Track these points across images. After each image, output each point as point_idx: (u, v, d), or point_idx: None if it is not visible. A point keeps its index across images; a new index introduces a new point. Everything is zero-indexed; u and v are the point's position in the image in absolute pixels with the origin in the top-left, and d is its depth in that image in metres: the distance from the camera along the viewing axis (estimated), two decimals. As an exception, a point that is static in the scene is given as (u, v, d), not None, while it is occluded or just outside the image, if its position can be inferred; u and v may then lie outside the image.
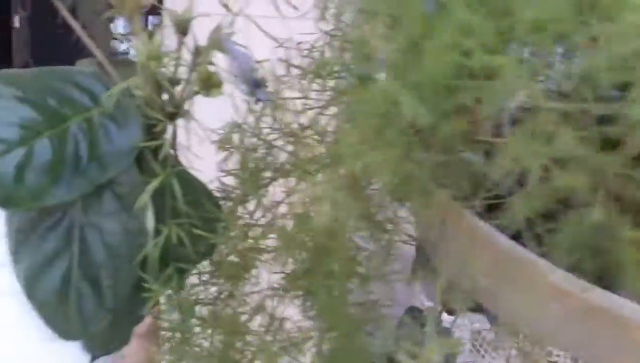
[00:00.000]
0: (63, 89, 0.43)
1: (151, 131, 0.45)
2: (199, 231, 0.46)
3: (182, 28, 0.42)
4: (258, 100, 0.46)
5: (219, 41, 0.43)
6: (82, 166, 0.40)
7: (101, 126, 0.42)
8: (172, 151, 0.45)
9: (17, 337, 0.46)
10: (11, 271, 0.43)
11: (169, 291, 0.46)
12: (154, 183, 0.41)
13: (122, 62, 0.47)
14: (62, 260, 0.43)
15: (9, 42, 3.15)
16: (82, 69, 0.45)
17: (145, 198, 0.40)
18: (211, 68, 0.43)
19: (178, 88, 0.45)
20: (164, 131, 0.44)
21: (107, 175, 0.41)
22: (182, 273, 0.47)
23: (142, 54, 0.40)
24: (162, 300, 0.48)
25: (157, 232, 0.43)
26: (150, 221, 0.41)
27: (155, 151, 0.44)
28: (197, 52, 0.43)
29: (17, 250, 0.43)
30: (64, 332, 0.43)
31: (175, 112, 0.45)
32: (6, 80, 0.41)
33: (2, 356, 0.46)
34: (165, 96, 0.46)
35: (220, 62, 0.44)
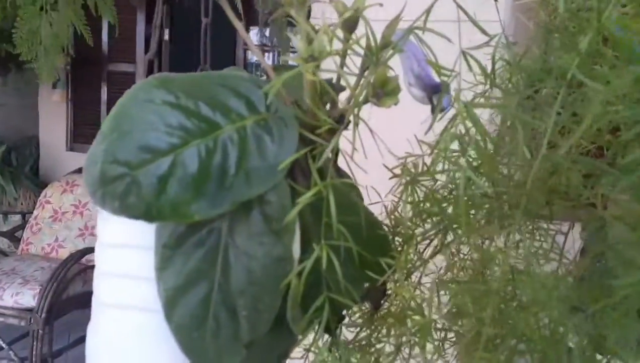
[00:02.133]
0: (218, 95, 0.39)
1: (310, 144, 0.39)
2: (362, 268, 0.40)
3: (350, 23, 0.36)
4: (439, 109, 0.38)
5: (393, 39, 0.36)
6: (228, 180, 0.36)
7: (254, 138, 0.38)
8: (333, 169, 0.39)
9: (145, 356, 0.43)
10: (155, 287, 0.40)
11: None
12: (306, 196, 0.35)
13: (287, 69, 0.42)
14: (204, 282, 0.39)
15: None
16: (241, 74, 0.41)
17: (293, 214, 0.34)
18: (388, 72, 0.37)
19: (344, 95, 0.39)
20: (325, 145, 0.39)
21: (253, 192, 0.36)
22: (335, 311, 0.41)
23: (302, 54, 0.34)
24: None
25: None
26: (296, 248, 0.36)
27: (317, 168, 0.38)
28: (370, 52, 0.36)
29: (162, 266, 0.39)
30: (198, 360, 0.39)
31: (339, 123, 0.39)
32: (159, 83, 0.38)
33: None
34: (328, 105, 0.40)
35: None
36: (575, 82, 0.41)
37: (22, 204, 4.41)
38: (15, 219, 4.30)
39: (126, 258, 0.44)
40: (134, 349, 0.43)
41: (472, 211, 0.46)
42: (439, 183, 0.51)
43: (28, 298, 2.98)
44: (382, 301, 0.47)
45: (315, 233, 0.38)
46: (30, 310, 2.93)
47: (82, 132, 4.37)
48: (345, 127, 0.37)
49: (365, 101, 0.37)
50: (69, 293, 3.06)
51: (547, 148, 0.40)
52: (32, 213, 3.71)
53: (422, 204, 0.52)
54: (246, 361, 0.38)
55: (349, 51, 0.36)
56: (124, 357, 0.43)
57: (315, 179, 0.36)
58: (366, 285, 0.44)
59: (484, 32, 0.39)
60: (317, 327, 0.38)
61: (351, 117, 0.39)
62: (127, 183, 0.35)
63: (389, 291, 0.49)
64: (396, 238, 0.51)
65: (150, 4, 4.10)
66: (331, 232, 0.37)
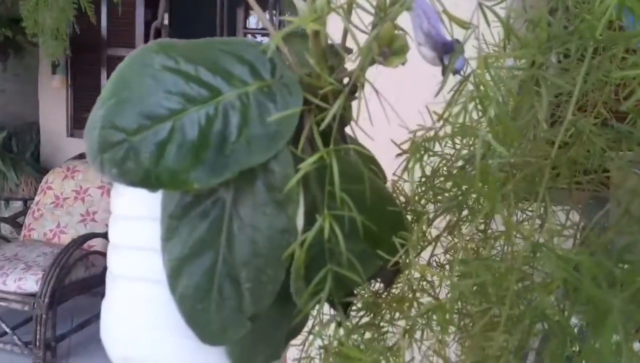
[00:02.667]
0: (221, 60, 0.37)
1: (315, 110, 0.38)
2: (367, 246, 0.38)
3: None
4: (451, 71, 0.36)
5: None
6: (229, 148, 0.34)
7: (256, 104, 0.36)
8: (337, 134, 0.38)
9: (159, 329, 0.42)
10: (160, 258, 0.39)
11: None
12: (307, 162, 0.33)
13: (296, 35, 0.40)
14: (208, 253, 0.37)
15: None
16: (248, 40, 0.40)
17: (293, 182, 0.33)
18: (395, 30, 0.35)
19: (351, 56, 0.37)
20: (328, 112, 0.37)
21: (254, 160, 0.35)
22: (343, 286, 0.39)
23: (304, 14, 0.33)
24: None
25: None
26: (300, 218, 0.34)
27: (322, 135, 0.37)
28: (378, 9, 0.35)
29: (167, 236, 0.38)
30: (202, 332, 0.37)
31: (345, 85, 0.37)
32: (159, 48, 0.36)
33: (141, 344, 0.42)
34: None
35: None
36: (600, 47, 0.39)
37: (23, 190, 4.40)
38: (17, 205, 4.30)
39: (138, 230, 0.43)
40: (147, 321, 0.42)
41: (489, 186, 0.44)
42: (453, 156, 0.49)
43: (31, 283, 2.99)
44: (393, 280, 0.45)
45: (322, 206, 0.37)
46: (33, 295, 2.94)
47: (82, 118, 4.34)
48: (353, 92, 0.36)
49: (372, 62, 0.35)
50: (72, 278, 3.07)
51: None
52: (33, 199, 3.71)
53: (434, 180, 0.50)
54: (252, 336, 0.37)
55: (360, 12, 0.35)
56: (137, 329, 0.42)
57: (323, 143, 0.34)
58: (380, 263, 0.42)
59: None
60: (322, 304, 0.37)
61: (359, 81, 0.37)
62: (125, 149, 0.34)
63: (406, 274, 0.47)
64: (408, 216, 0.50)
65: (149, -12, 4.07)
66: (336, 203, 0.36)
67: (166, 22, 3.47)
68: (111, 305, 0.44)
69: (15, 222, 3.72)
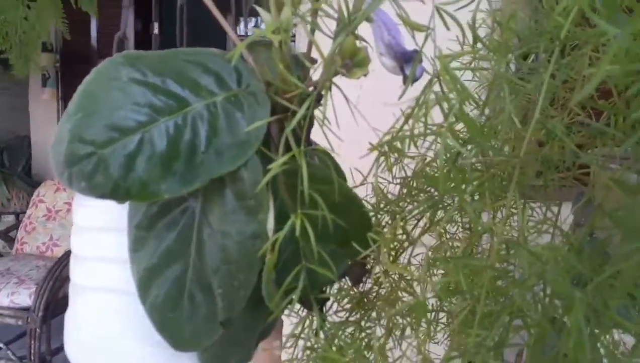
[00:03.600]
0: (187, 71, 0.38)
1: (282, 119, 0.38)
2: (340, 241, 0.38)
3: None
4: (411, 79, 0.37)
5: (363, 8, 0.35)
6: (198, 157, 0.35)
7: (224, 114, 0.37)
8: (305, 137, 0.38)
9: (129, 339, 0.42)
10: (129, 269, 0.39)
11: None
12: (277, 163, 0.33)
13: (260, 45, 0.41)
14: (178, 262, 0.38)
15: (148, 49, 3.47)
16: (212, 50, 0.40)
17: (263, 183, 0.33)
18: (357, 43, 0.36)
19: (315, 67, 0.38)
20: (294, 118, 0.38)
21: (224, 168, 0.35)
22: (315, 285, 0.40)
23: (269, 26, 0.33)
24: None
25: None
26: (270, 223, 0.35)
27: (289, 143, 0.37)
28: (340, 22, 0.35)
29: (135, 247, 0.39)
30: (175, 340, 0.38)
31: (309, 95, 0.38)
32: (125, 60, 0.37)
33: (110, 355, 0.43)
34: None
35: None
36: (568, 47, 0.40)
37: (15, 204, 4.38)
38: (9, 219, 4.28)
39: (103, 240, 0.43)
40: (116, 331, 0.42)
41: (463, 186, 0.45)
42: (427, 157, 0.50)
43: (24, 297, 2.97)
44: (363, 278, 0.46)
45: (291, 210, 0.37)
46: (27, 309, 2.92)
47: (73, 130, 4.34)
48: (318, 100, 0.36)
49: (335, 73, 0.36)
50: (65, 291, 3.04)
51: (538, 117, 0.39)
52: (25, 212, 3.69)
53: (410, 181, 0.51)
54: (224, 340, 0.37)
55: (327, 20, 0.35)
56: (104, 341, 0.42)
57: (288, 148, 0.35)
58: (348, 262, 0.43)
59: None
60: (293, 304, 0.37)
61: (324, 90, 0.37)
62: (94, 162, 0.34)
63: (377, 273, 0.48)
64: (383, 216, 0.50)
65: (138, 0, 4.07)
66: (306, 206, 0.36)
67: (156, 31, 3.48)
68: (77, 316, 0.44)
69: (8, 236, 3.70)
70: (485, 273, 0.41)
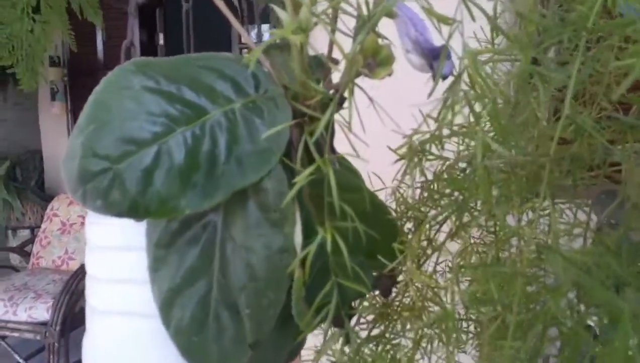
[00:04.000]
0: (202, 77, 0.36)
1: (304, 124, 0.36)
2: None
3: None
4: (440, 76, 0.35)
5: (386, 4, 0.33)
6: (219, 168, 0.33)
7: (244, 121, 0.35)
8: (329, 145, 0.36)
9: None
10: (149, 290, 0.37)
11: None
12: (304, 175, 0.31)
13: (275, 48, 0.39)
14: (202, 281, 0.36)
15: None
16: (227, 55, 0.38)
17: (290, 196, 0.31)
18: (379, 40, 0.33)
19: (337, 68, 0.36)
20: (319, 124, 0.35)
21: (248, 179, 0.33)
22: (344, 301, 0.38)
23: (288, 26, 0.31)
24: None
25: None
26: (298, 236, 0.33)
27: (311, 150, 0.35)
28: (361, 20, 0.33)
29: (155, 267, 0.36)
30: (201, 364, 0.36)
31: (332, 98, 0.36)
32: (137, 68, 0.34)
33: None
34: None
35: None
36: (594, 39, 0.38)
37: (29, 218, 4.40)
38: (24, 234, 4.30)
39: (120, 260, 0.41)
40: (133, 356, 0.40)
41: (484, 187, 0.43)
42: (453, 159, 0.47)
43: (42, 312, 2.98)
44: (391, 290, 0.44)
45: (318, 221, 0.35)
46: (44, 323, 2.93)
47: (84, 142, 4.35)
48: (341, 102, 0.34)
49: (358, 74, 0.34)
50: (82, 305, 3.06)
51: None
52: (40, 227, 3.70)
53: (432, 185, 0.49)
54: (252, 361, 0.35)
55: (348, 19, 0.33)
56: None
57: (310, 155, 0.32)
58: (374, 273, 0.41)
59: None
60: (325, 322, 0.35)
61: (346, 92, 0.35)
62: (109, 178, 0.32)
63: (401, 281, 0.46)
64: (406, 223, 0.48)
65: (143, 10, 4.07)
66: (335, 217, 0.34)
67: (161, 42, 3.48)
68: (95, 341, 0.42)
69: (24, 251, 3.71)
70: (516, 281, 0.39)
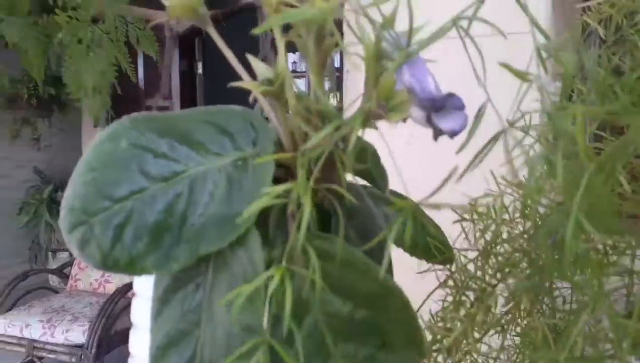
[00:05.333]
0: (198, 133, 0.35)
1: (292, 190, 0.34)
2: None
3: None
4: (445, 132, 0.32)
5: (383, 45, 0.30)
6: (187, 230, 0.31)
7: (227, 181, 0.33)
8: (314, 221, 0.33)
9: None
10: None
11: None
12: (266, 275, 0.28)
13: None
14: (185, 345, 0.34)
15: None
16: (234, 108, 0.37)
17: (260, 281, 0.28)
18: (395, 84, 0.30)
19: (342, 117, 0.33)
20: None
21: (213, 246, 0.31)
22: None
23: (260, 78, 0.29)
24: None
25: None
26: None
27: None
28: (374, 60, 0.30)
29: (152, 321, 0.35)
30: None
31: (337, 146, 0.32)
32: (130, 124, 0.34)
33: None
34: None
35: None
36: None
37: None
38: (64, 256, 4.40)
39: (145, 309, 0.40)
40: None
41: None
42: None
43: (78, 334, 3.02)
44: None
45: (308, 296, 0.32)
46: (80, 346, 2.97)
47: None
48: (344, 150, 0.31)
49: (372, 115, 0.31)
50: (117, 328, 3.09)
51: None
52: (79, 249, 3.78)
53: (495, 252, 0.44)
54: None
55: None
56: None
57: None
58: None
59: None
60: None
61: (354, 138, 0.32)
62: (84, 231, 0.32)
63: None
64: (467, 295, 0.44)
65: (183, 39, 4.17)
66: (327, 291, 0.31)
67: (200, 70, 3.55)
68: None
69: (63, 273, 3.79)
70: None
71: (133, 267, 0.31)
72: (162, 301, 0.35)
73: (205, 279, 0.34)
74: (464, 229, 0.44)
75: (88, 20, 2.29)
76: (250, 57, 0.31)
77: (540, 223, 0.42)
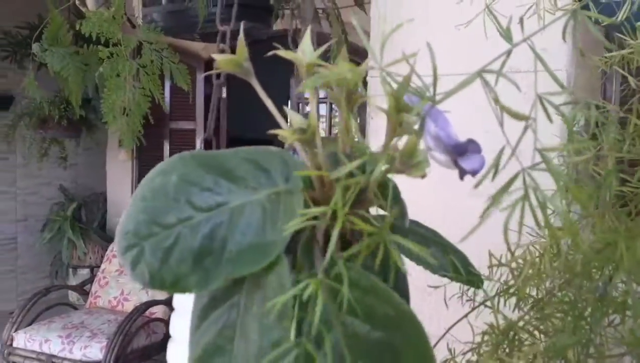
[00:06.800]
0: (239, 169, 0.40)
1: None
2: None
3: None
4: (466, 173, 0.36)
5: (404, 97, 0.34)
6: (226, 254, 0.36)
7: (262, 212, 0.38)
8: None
9: None
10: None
11: None
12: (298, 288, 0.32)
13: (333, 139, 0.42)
14: (223, 356, 0.38)
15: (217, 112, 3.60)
16: (271, 148, 0.42)
17: (284, 299, 0.33)
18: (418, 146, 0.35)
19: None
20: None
21: (245, 269, 0.36)
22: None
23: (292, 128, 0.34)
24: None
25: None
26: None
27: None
28: (395, 112, 0.34)
29: (192, 337, 0.40)
30: None
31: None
32: (180, 160, 0.40)
33: None
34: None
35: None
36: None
37: (90, 258, 4.59)
38: (84, 272, 4.47)
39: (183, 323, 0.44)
40: None
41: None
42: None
43: (96, 351, 3.06)
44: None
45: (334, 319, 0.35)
46: (97, 362, 3.01)
47: (147, 187, 4.53)
48: (363, 196, 0.36)
49: (388, 171, 0.36)
50: (134, 346, 3.12)
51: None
52: (99, 266, 3.85)
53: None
54: None
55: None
56: None
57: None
58: None
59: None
60: None
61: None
62: (136, 253, 0.37)
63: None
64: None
65: (208, 64, 4.28)
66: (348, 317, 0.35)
67: (224, 95, 3.62)
68: None
69: (82, 290, 3.86)
70: None
71: (177, 286, 0.36)
72: (200, 318, 0.40)
73: (240, 299, 0.38)
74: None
75: (127, 56, 2.41)
76: (287, 110, 0.36)
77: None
